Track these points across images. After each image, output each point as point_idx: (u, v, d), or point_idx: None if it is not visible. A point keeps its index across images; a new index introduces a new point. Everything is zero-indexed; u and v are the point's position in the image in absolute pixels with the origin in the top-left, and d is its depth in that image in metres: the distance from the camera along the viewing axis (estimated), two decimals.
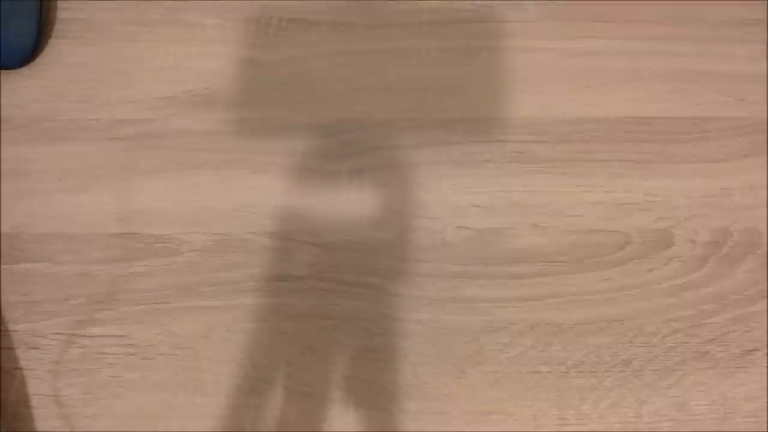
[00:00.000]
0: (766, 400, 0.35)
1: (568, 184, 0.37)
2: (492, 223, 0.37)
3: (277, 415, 0.35)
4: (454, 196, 0.37)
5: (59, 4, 0.38)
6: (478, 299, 0.36)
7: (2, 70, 0.37)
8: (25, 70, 0.38)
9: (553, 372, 0.36)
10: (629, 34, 0.39)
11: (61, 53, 0.38)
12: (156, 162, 0.37)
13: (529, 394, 0.35)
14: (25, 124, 0.37)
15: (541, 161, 0.37)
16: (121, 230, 0.36)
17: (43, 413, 0.35)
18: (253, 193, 0.37)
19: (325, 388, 0.35)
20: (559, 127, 0.38)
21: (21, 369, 0.35)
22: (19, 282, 0.36)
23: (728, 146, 0.38)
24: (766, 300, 0.36)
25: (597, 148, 0.37)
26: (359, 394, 0.35)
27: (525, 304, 0.36)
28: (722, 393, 0.35)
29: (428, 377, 0.35)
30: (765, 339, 0.36)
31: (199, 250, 0.36)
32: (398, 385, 0.35)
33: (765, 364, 0.36)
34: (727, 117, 0.38)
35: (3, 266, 0.36)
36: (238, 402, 0.35)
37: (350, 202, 0.37)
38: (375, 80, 0.38)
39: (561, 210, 0.37)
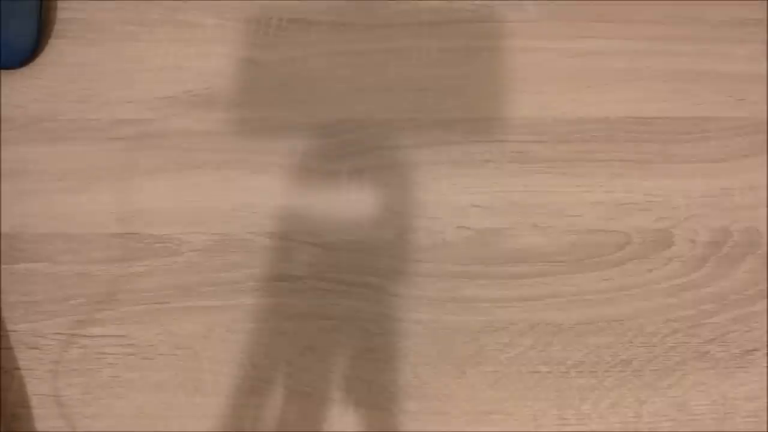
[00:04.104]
0: (766, 400, 0.35)
1: (568, 184, 0.37)
2: (492, 223, 0.37)
3: (277, 415, 0.35)
4: (454, 196, 0.37)
5: (59, 4, 0.38)
6: (478, 299, 0.36)
7: (2, 70, 0.37)
8: (25, 70, 0.38)
9: (553, 372, 0.36)
10: (629, 34, 0.39)
11: (61, 53, 0.38)
12: (156, 162, 0.37)
13: (529, 394, 0.35)
14: (25, 124, 0.37)
15: (541, 161, 0.37)
16: (121, 230, 0.36)
17: (43, 413, 0.35)
18: (253, 193, 0.37)
19: (325, 388, 0.35)
20: (559, 127, 0.38)
21: (21, 369, 0.35)
22: (19, 282, 0.36)
23: (728, 146, 0.38)
24: (766, 300, 0.36)
25: (597, 148, 0.37)
26: (359, 394, 0.35)
27: (525, 304, 0.36)
28: (722, 393, 0.35)
29: (428, 377, 0.35)
30: (765, 339, 0.36)
31: (199, 250, 0.36)
32: (398, 385, 0.35)
33: (765, 364, 0.36)
34: (727, 117, 0.38)
35: (3, 266, 0.36)
36: (238, 402, 0.35)
37: (350, 202, 0.37)
38: (375, 80, 0.38)
39: (561, 210, 0.37)
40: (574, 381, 0.36)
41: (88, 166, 0.37)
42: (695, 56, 0.38)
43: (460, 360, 0.36)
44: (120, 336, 0.35)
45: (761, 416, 0.35)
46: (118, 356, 0.35)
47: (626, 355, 0.36)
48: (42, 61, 0.38)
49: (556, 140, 0.37)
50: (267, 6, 0.38)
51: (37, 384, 0.35)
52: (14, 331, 0.35)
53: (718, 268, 0.36)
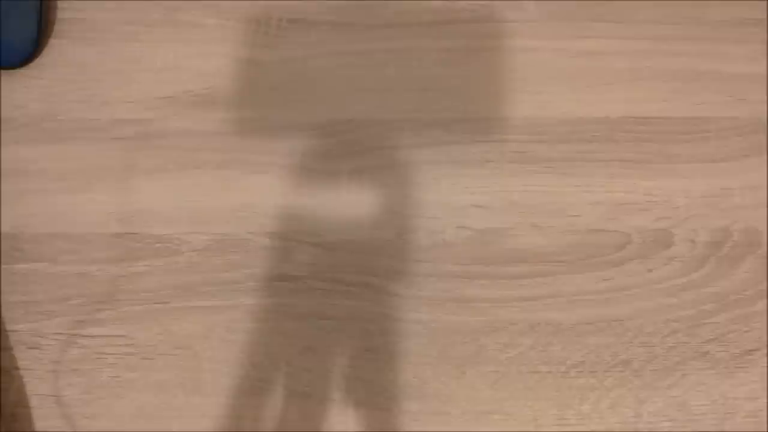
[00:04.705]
0: (766, 400, 0.35)
1: (568, 184, 0.37)
2: (492, 223, 0.37)
3: (277, 415, 0.35)
4: (454, 196, 0.37)
5: (59, 4, 0.38)
6: (478, 299, 0.36)
7: (2, 70, 0.37)
8: (25, 70, 0.38)
9: (553, 372, 0.36)
10: (629, 34, 0.39)
11: (61, 53, 0.38)
12: (156, 162, 0.37)
13: (529, 394, 0.35)
14: (25, 124, 0.37)
15: (541, 161, 0.37)
16: (121, 230, 0.36)
17: (43, 413, 0.35)
18: (253, 193, 0.37)
19: (325, 388, 0.35)
20: (559, 127, 0.38)
21: (21, 369, 0.35)
22: (19, 282, 0.36)
23: (728, 146, 0.38)
24: (766, 300, 0.36)
25: (597, 148, 0.37)
26: (359, 394, 0.35)
27: (525, 304, 0.36)
28: (722, 393, 0.35)
29: (428, 377, 0.35)
30: (765, 339, 0.36)
31: (199, 250, 0.36)
32: (398, 385, 0.35)
33: (765, 364, 0.36)
34: (727, 117, 0.38)
35: (3, 266, 0.36)
36: (238, 402, 0.35)
37: (350, 202, 0.37)
38: (375, 80, 0.38)
39: (561, 210, 0.37)
40: (574, 381, 0.36)
41: (88, 166, 0.37)
42: (695, 56, 0.38)
43: (460, 360, 0.36)
44: (120, 336, 0.35)
45: (761, 416, 0.35)
46: (118, 356, 0.35)
47: (626, 355, 0.36)
48: (42, 61, 0.38)
49: (556, 140, 0.37)
50: (267, 6, 0.38)
51: (37, 384, 0.35)
52: (14, 331, 0.35)
53: (718, 268, 0.36)
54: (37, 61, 0.38)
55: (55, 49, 0.38)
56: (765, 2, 0.39)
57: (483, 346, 0.36)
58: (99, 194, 0.37)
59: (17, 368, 0.35)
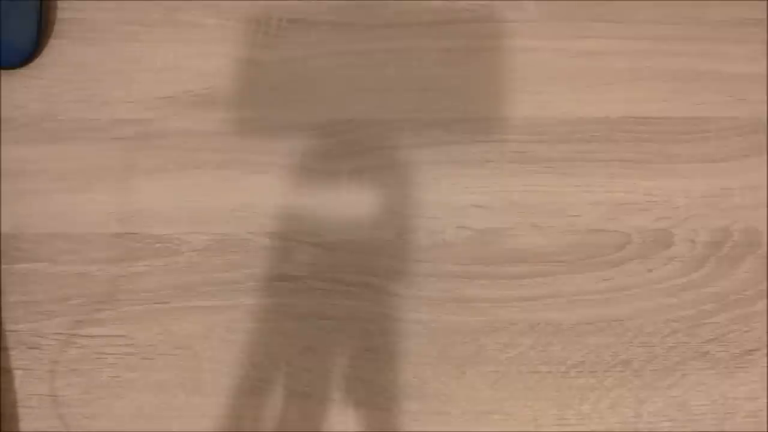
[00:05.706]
0: (766, 400, 0.35)
1: (568, 184, 0.37)
2: (492, 223, 0.37)
3: (277, 415, 0.35)
4: (454, 196, 0.37)
5: (59, 4, 0.38)
6: (478, 299, 0.36)
7: (2, 70, 0.37)
8: (25, 70, 0.38)
9: (553, 372, 0.36)
10: (629, 34, 0.39)
11: (61, 53, 0.38)
12: (156, 162, 0.37)
13: (529, 394, 0.35)
14: (25, 124, 0.37)
15: (541, 161, 0.37)
16: (121, 230, 0.36)
17: (42, 413, 0.35)
18: (253, 193, 0.37)
19: (325, 388, 0.35)
20: (559, 127, 0.38)
21: (21, 369, 0.35)
22: (19, 282, 0.36)
23: (728, 146, 0.38)
24: (766, 300, 0.36)
25: (597, 148, 0.37)
26: (359, 394, 0.35)
27: (525, 304, 0.36)
28: (722, 393, 0.35)
29: (428, 377, 0.35)
30: (765, 339, 0.36)
31: (199, 250, 0.36)
32: (398, 385, 0.35)
33: (765, 364, 0.36)
34: (727, 117, 0.38)
35: (3, 266, 0.36)
36: (238, 402, 0.35)
37: (350, 202, 0.37)
38: (375, 80, 0.38)
39: (561, 210, 0.37)
40: (574, 381, 0.36)
41: (88, 166, 0.37)
42: (695, 56, 0.38)
43: (460, 360, 0.36)
44: (120, 336, 0.35)
45: (761, 416, 0.35)
46: (118, 356, 0.35)
47: (626, 355, 0.36)
48: (42, 61, 0.38)
49: (556, 140, 0.37)
50: (267, 6, 0.38)
51: (37, 384, 0.35)
52: (14, 331, 0.35)
53: (718, 268, 0.36)
54: (37, 61, 0.38)
55: (55, 49, 0.38)
56: (765, 2, 0.39)
57: (483, 346, 0.36)
58: (99, 194, 0.37)
59: (17, 368, 0.35)
